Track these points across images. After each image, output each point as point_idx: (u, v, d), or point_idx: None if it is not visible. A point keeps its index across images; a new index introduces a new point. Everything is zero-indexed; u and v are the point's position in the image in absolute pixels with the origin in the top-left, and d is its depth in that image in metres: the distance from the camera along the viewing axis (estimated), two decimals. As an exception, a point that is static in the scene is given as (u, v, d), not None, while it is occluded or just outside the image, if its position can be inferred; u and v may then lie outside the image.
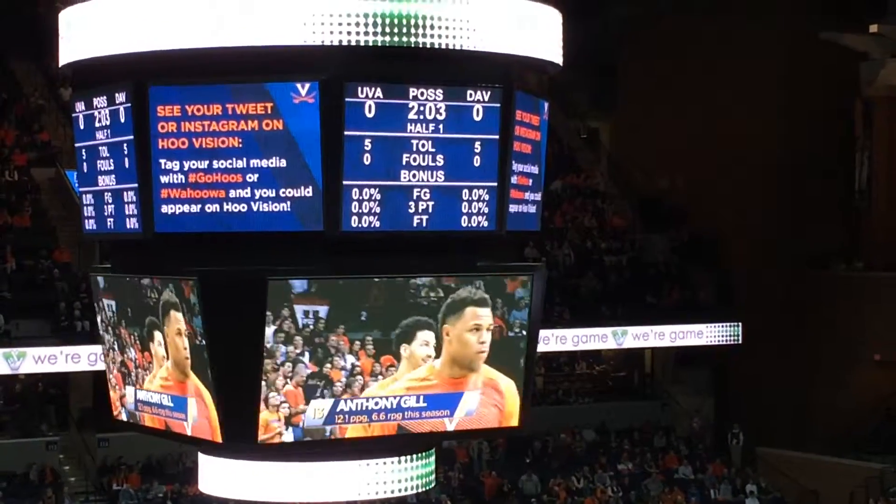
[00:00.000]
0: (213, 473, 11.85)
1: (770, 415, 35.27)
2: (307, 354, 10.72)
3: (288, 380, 10.70)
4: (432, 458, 12.02)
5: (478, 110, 10.91)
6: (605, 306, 34.07)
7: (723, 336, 33.34)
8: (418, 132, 10.70)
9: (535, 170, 11.72)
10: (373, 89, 10.52)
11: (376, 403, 11.04)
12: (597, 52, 36.59)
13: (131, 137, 10.89)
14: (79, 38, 11.29)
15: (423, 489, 12.06)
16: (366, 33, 10.41)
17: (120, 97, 10.98)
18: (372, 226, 10.65)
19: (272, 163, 10.55)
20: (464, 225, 10.99)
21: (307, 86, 10.45)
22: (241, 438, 10.85)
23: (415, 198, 10.77)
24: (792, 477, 32.49)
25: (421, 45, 10.55)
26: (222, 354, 10.72)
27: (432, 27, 10.56)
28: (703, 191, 37.39)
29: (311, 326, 10.70)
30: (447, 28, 10.61)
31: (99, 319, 12.31)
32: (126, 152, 11.00)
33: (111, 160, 11.22)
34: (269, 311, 10.54)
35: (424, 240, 10.93)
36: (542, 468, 31.70)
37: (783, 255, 36.03)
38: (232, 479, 11.65)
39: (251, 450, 11.02)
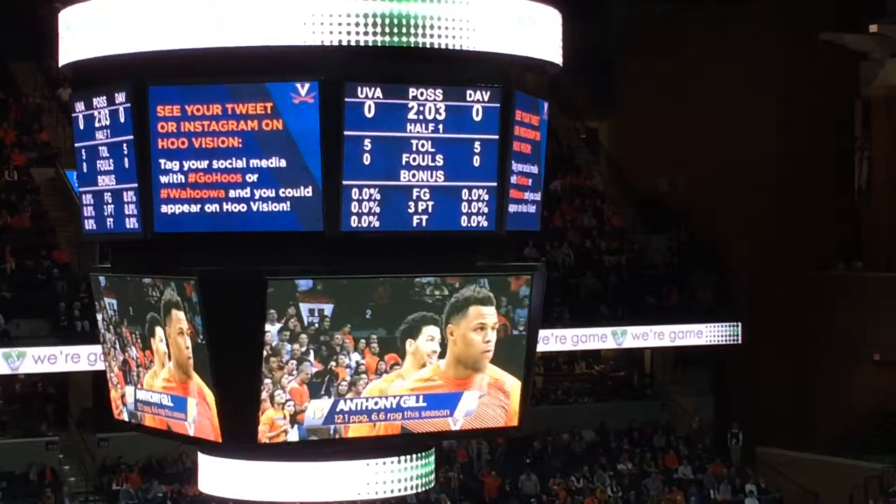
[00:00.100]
0: (213, 473, 11.85)
1: (770, 415, 35.26)
2: (312, 352, 10.74)
3: (293, 377, 10.71)
4: (432, 458, 12.03)
5: (477, 110, 10.91)
6: (604, 306, 34.07)
7: (722, 336, 33.34)
8: (418, 132, 10.71)
9: (534, 170, 11.73)
10: (372, 89, 10.53)
11: (376, 403, 11.05)
12: (596, 52, 36.59)
13: (131, 137, 10.90)
14: (78, 39, 11.30)
15: (423, 489, 12.06)
16: (365, 33, 10.42)
17: (120, 97, 10.98)
18: (371, 226, 10.66)
19: (272, 163, 10.55)
20: (463, 225, 11.00)
21: (307, 86, 10.46)
22: (241, 438, 10.86)
23: (414, 198, 10.78)
24: (792, 477, 32.48)
25: (421, 46, 10.56)
26: (222, 354, 10.72)
27: (432, 27, 10.57)
28: (703, 191, 37.37)
29: (317, 325, 10.72)
30: (447, 28, 10.62)
31: (100, 318, 12.31)
32: (126, 152, 11.00)
33: (111, 160, 11.22)
34: (274, 310, 10.56)
35: (424, 240, 10.94)
36: (542, 468, 31.69)
37: (783, 255, 36.01)
38: (232, 480, 11.66)
39: (253, 449, 11.02)
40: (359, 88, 10.50)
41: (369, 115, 10.54)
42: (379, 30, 10.44)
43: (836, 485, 31.29)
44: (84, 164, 11.66)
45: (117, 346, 12.06)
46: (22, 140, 33.30)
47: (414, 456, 11.71)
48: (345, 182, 10.53)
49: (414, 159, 10.73)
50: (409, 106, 10.66)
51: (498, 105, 10.96)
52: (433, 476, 12.15)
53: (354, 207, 10.60)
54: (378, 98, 10.55)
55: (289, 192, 10.57)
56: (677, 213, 38.36)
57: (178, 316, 10.94)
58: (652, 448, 33.62)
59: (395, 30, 10.47)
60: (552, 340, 31.45)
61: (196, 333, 10.77)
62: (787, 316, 35.40)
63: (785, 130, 36.13)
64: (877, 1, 36.04)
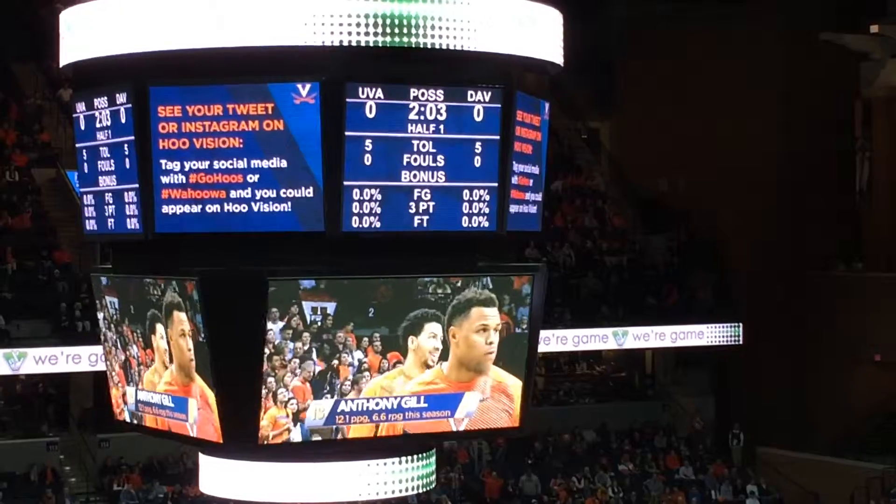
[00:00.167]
0: (214, 474, 11.85)
1: (771, 415, 35.25)
2: (315, 351, 10.75)
3: (295, 376, 10.72)
4: (433, 459, 12.03)
5: (478, 111, 10.92)
6: (605, 307, 34.06)
7: (723, 336, 33.34)
8: (419, 132, 10.72)
9: (535, 170, 11.73)
10: (373, 90, 10.53)
11: (377, 404, 11.05)
12: (597, 53, 36.57)
13: (132, 138, 10.90)
14: (79, 39, 11.30)
15: (424, 489, 12.06)
16: (366, 34, 10.42)
17: (120, 98, 10.99)
18: (372, 226, 10.67)
19: (273, 163, 10.56)
20: (464, 225, 11.00)
21: (308, 86, 10.47)
22: (242, 438, 10.86)
23: (415, 198, 10.78)
24: (792, 478, 32.47)
25: (422, 46, 10.56)
26: (223, 354, 10.73)
27: (433, 28, 10.57)
28: (703, 191, 37.36)
29: (319, 323, 10.73)
30: (448, 28, 10.62)
31: (101, 317, 12.31)
32: (127, 153, 11.01)
33: (112, 161, 11.23)
34: (277, 308, 10.57)
35: (425, 240, 10.95)
36: (543, 469, 31.69)
37: (783, 255, 36.01)
38: (233, 480, 11.66)
39: (253, 450, 11.02)
40: (360, 89, 10.50)
41: (370, 116, 10.55)
42: (380, 30, 10.45)
43: (836, 485, 31.28)
44: (85, 164, 11.66)
45: (118, 345, 12.06)
46: (23, 141, 33.29)
47: (415, 456, 11.71)
48: (346, 182, 10.54)
49: (415, 160, 10.73)
50: (410, 106, 10.67)
51: (499, 105, 10.96)
52: (434, 477, 12.15)
53: (355, 208, 10.60)
54: (379, 98, 10.56)
55: (290, 193, 10.57)
56: (677, 213, 38.36)
57: (180, 317, 10.94)
58: (653, 449, 33.62)
59: (396, 30, 10.48)
60: (553, 341, 31.44)
61: (197, 332, 10.78)
62: (788, 316, 35.39)
63: (785, 130, 36.13)
64: (877, 1, 36.03)
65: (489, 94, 10.91)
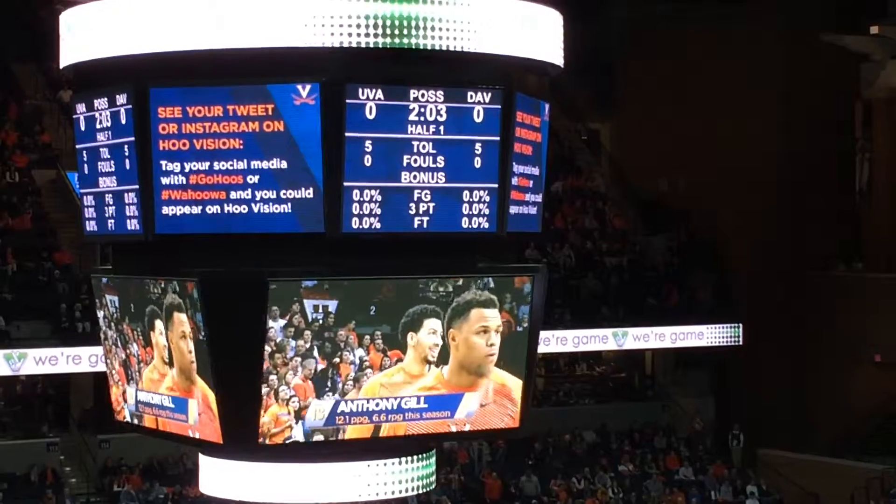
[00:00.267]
0: (214, 475, 11.85)
1: (771, 416, 35.25)
2: (316, 349, 10.75)
3: (297, 374, 10.73)
4: (433, 459, 12.03)
5: (478, 112, 10.92)
6: (605, 308, 34.07)
7: (723, 337, 33.34)
8: (419, 134, 10.72)
9: (535, 171, 11.73)
10: (373, 91, 10.54)
11: (377, 405, 11.05)
12: (597, 54, 36.57)
13: (132, 139, 10.91)
14: (79, 40, 11.30)
15: (424, 490, 12.06)
16: (366, 35, 10.42)
17: (121, 99, 10.99)
18: (372, 227, 10.67)
19: (273, 164, 10.56)
20: (464, 226, 11.00)
21: (308, 87, 10.47)
22: (242, 439, 10.86)
23: (415, 199, 10.78)
24: (792, 478, 32.47)
25: (422, 47, 10.56)
26: (223, 355, 10.73)
27: (433, 29, 10.58)
28: (703, 191, 37.37)
29: (321, 321, 10.74)
30: (448, 30, 10.63)
31: (101, 315, 12.31)
32: (127, 154, 11.01)
33: (112, 162, 11.23)
34: (278, 306, 10.57)
35: (425, 241, 10.95)
36: (543, 469, 31.69)
37: (783, 255, 36.01)
38: (233, 481, 11.66)
39: (254, 450, 11.02)
40: (360, 90, 10.51)
41: (370, 117, 10.55)
42: (380, 31, 10.45)
43: (836, 486, 31.28)
44: (85, 165, 11.67)
45: (119, 343, 12.07)
46: (23, 142, 33.30)
47: (415, 457, 11.71)
48: (346, 183, 10.54)
49: (415, 161, 10.74)
50: (410, 107, 10.67)
51: (499, 106, 10.96)
52: (434, 477, 12.15)
53: (355, 209, 10.61)
54: (379, 99, 10.56)
55: (290, 194, 10.58)
56: (677, 213, 38.36)
57: (181, 318, 10.95)
58: (653, 449, 33.62)
59: (396, 31, 10.48)
60: (553, 342, 31.44)
61: (198, 330, 10.78)
62: (788, 316, 35.40)
63: (785, 130, 36.13)
64: (877, 1, 36.04)
65: (489, 95, 10.91)
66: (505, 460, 31.94)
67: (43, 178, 32.66)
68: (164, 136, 10.71)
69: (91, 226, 11.80)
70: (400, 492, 11.69)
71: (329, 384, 10.86)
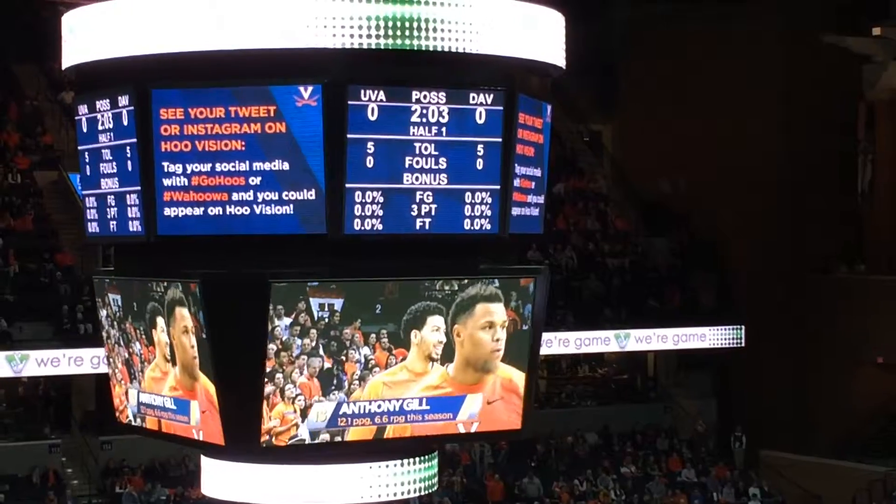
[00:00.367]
0: (216, 476, 11.84)
1: (773, 418, 35.23)
2: (322, 347, 10.75)
3: (303, 372, 10.72)
4: (435, 461, 12.02)
5: (480, 113, 10.91)
6: (607, 309, 34.06)
7: (725, 339, 33.33)
8: (421, 135, 10.71)
9: (537, 173, 11.72)
10: (376, 92, 10.53)
11: (379, 406, 11.04)
12: (599, 55, 36.55)
13: (134, 140, 10.91)
14: (81, 41, 11.30)
15: (426, 492, 12.05)
16: (368, 36, 10.42)
17: (123, 100, 10.99)
18: (374, 228, 10.66)
19: (275, 165, 10.56)
20: (466, 228, 11.00)
21: (310, 88, 10.47)
22: (244, 440, 10.85)
23: (417, 200, 10.78)
24: (794, 480, 32.45)
25: (424, 48, 10.56)
26: (226, 356, 10.73)
27: (435, 30, 10.57)
28: (703, 191, 37.34)
29: (327, 319, 10.73)
30: (450, 31, 10.62)
31: (104, 314, 12.30)
32: (129, 155, 11.01)
33: (114, 163, 11.23)
34: (284, 305, 10.56)
35: (427, 242, 10.94)
36: (545, 471, 31.68)
37: (785, 258, 35.99)
38: (235, 482, 11.65)
39: (256, 451, 11.02)
40: (362, 91, 10.50)
41: (372, 118, 10.54)
42: (382, 32, 10.44)
43: (838, 488, 31.25)
44: (87, 166, 11.67)
45: (121, 342, 12.07)
46: (25, 143, 33.32)
47: (417, 459, 11.71)
48: (348, 185, 10.54)
49: (417, 162, 10.73)
50: (413, 109, 10.67)
51: (501, 108, 10.96)
52: (436, 479, 12.15)
53: (357, 210, 10.60)
54: (381, 101, 10.56)
55: (292, 195, 10.57)
56: (678, 214, 38.34)
57: (183, 314, 10.94)
58: (655, 451, 33.61)
59: (399, 32, 10.48)
60: (555, 343, 31.42)
61: (201, 328, 10.78)
62: (788, 317, 35.38)
63: (785, 131, 36.10)
64: (878, 2, 36.01)
65: (491, 96, 10.91)
66: (507, 462, 31.94)
67: (45, 180, 32.67)
68: (165, 137, 10.70)
69: (93, 227, 11.80)
70: (402, 493, 11.68)
71: (335, 382, 10.85)
